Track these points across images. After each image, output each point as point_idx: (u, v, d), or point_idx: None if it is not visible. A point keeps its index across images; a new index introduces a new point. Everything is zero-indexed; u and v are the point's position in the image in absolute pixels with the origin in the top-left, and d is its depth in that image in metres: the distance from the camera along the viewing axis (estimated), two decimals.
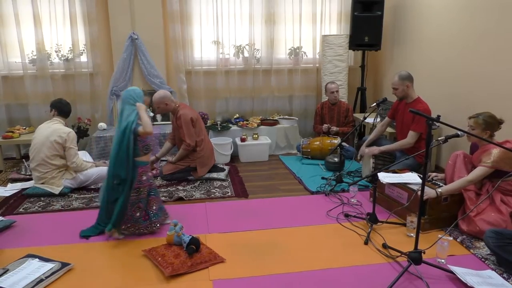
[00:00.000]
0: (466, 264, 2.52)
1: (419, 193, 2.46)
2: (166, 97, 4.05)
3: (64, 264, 2.50)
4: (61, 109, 3.86)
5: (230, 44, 5.57)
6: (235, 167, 4.68)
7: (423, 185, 2.39)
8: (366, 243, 2.83)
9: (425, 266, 2.41)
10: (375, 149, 3.93)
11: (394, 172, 3.52)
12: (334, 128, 4.96)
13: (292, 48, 5.71)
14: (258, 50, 5.65)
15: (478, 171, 2.88)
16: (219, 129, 5.12)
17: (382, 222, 3.04)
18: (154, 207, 2.98)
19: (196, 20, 5.45)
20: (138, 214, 2.89)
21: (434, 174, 3.42)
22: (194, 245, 2.62)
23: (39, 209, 3.50)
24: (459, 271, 2.37)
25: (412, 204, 3.03)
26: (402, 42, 5.24)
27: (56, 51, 5.22)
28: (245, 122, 5.36)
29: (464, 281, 2.27)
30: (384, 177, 3.35)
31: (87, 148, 4.81)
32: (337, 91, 5.02)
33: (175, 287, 2.35)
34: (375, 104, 4.07)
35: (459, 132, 2.50)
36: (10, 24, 5.01)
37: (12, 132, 4.82)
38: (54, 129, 3.73)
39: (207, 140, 4.31)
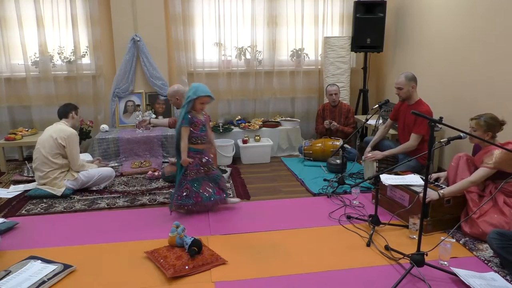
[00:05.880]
0: (469, 266, 2.51)
1: (421, 195, 2.45)
2: (178, 92, 4.16)
3: (66, 266, 2.50)
4: (58, 113, 3.95)
5: (232, 46, 5.58)
6: (237, 169, 4.68)
7: (425, 187, 2.38)
8: (368, 245, 2.83)
9: (427, 268, 2.41)
10: (379, 154, 3.91)
11: (396, 174, 3.52)
12: (335, 123, 4.93)
13: (294, 50, 5.71)
14: (260, 52, 5.65)
15: (480, 172, 2.87)
16: (221, 131, 5.12)
17: (385, 224, 3.04)
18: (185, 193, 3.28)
19: (198, 22, 5.45)
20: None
21: (436, 175, 3.41)
22: (196, 247, 2.62)
23: (42, 211, 3.50)
24: (462, 273, 2.36)
25: (414, 206, 3.02)
26: (405, 44, 5.24)
27: (58, 53, 5.23)
28: (247, 124, 5.36)
29: (467, 284, 2.26)
30: (387, 179, 3.35)
31: (89, 150, 4.82)
32: (335, 94, 5.00)
33: None
34: (377, 105, 4.06)
35: (461, 134, 2.50)
36: (13, 26, 5.03)
37: (15, 134, 4.83)
38: (58, 129, 3.79)
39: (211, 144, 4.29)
